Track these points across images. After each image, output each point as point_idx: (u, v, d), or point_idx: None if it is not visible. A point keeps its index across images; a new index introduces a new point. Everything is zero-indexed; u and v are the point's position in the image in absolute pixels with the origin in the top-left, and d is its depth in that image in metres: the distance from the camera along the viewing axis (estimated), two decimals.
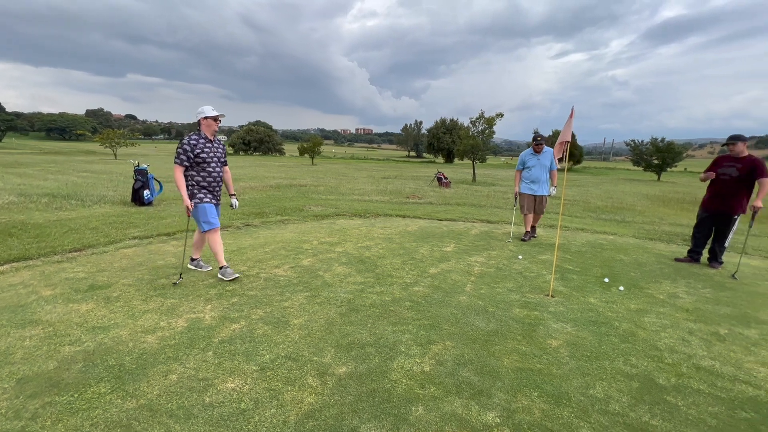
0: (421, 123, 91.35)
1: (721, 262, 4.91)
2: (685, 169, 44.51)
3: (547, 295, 3.68)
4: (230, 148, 66.87)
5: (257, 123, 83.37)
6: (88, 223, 6.12)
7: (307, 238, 5.65)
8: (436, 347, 2.61)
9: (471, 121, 20.31)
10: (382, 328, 2.85)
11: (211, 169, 3.65)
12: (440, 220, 7.83)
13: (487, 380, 2.25)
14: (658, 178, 31.72)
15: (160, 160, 33.20)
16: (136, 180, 8.31)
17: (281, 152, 65.11)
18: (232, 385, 2.12)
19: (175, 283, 3.58)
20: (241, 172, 21.91)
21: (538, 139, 5.60)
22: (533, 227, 6.05)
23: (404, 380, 2.23)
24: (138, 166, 8.51)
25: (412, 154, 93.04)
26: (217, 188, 3.77)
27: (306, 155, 41.86)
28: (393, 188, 15.19)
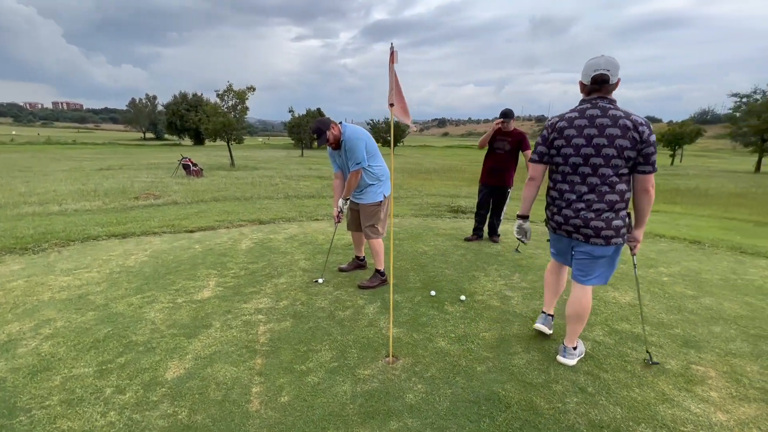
0: (155, 98, 74.65)
1: (499, 235, 5.00)
2: (403, 143, 55.49)
3: (387, 358, 2.27)
4: None
5: None
6: None
7: None
8: None
9: (218, 95, 17.02)
10: None
11: None
12: (190, 231, 5.28)
13: None
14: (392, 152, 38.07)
15: None
16: None
17: None
18: None
19: None
20: None
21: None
22: (357, 257, 3.77)
23: None
24: None
25: (150, 135, 75.74)
26: None
27: None
28: (113, 185, 10.58)
